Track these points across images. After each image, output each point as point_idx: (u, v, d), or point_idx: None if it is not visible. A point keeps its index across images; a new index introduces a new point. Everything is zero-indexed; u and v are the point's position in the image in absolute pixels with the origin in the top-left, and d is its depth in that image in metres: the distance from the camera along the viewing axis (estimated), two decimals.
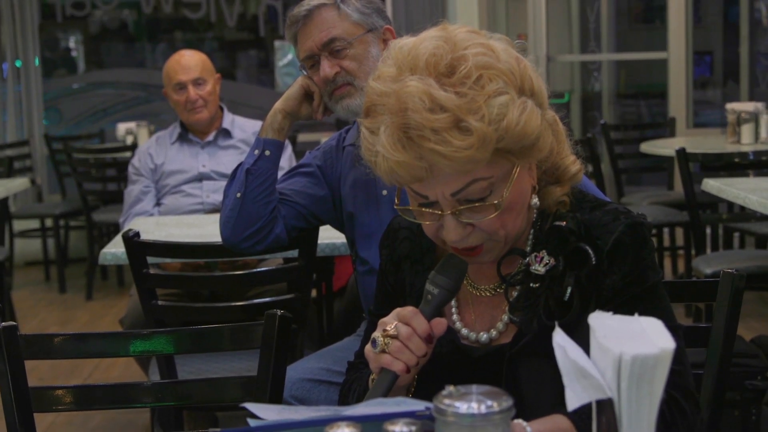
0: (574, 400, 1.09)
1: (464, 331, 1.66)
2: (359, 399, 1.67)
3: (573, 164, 1.66)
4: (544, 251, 1.61)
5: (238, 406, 1.33)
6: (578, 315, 1.55)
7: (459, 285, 1.58)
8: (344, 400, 1.77)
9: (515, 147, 1.50)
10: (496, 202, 1.52)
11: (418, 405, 1.22)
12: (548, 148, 1.57)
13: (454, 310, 1.69)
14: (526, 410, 1.48)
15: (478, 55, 1.49)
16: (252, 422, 1.24)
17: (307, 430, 1.22)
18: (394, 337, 1.51)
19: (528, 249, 1.64)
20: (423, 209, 1.56)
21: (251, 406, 1.29)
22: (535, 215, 1.65)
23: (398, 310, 1.55)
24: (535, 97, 1.54)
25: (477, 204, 1.52)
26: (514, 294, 1.63)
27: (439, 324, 1.54)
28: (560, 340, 1.13)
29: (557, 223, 1.62)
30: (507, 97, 1.48)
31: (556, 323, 1.24)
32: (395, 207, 1.62)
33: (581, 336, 1.21)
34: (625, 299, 1.57)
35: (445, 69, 1.48)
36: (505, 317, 1.63)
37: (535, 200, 1.62)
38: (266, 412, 1.29)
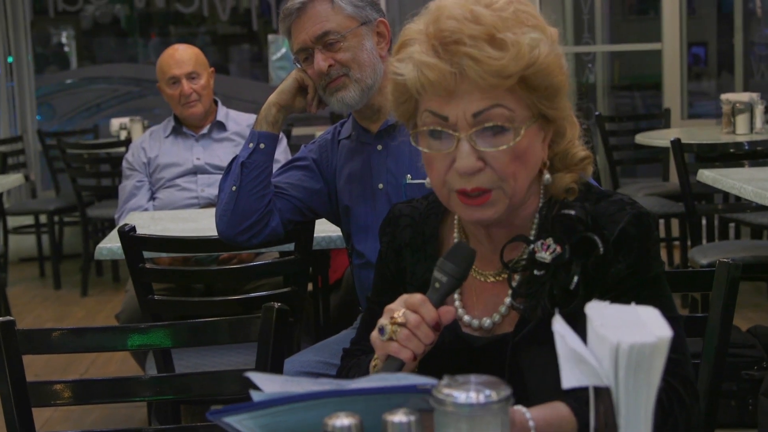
0: (570, 380, 1.09)
1: (466, 317, 1.66)
2: None
3: (582, 150, 1.67)
4: (550, 239, 1.60)
5: (242, 376, 1.32)
6: (582, 304, 1.55)
7: (467, 273, 1.56)
8: None
9: (540, 84, 1.54)
10: (512, 129, 1.53)
11: (420, 379, 1.21)
12: (564, 117, 1.61)
13: (456, 295, 1.68)
14: (529, 399, 1.48)
15: (519, 2, 1.56)
16: (255, 395, 1.23)
17: (308, 404, 1.21)
18: (402, 325, 1.50)
19: (532, 235, 1.64)
20: (440, 129, 1.55)
21: (254, 376, 1.28)
22: (541, 200, 1.65)
23: (405, 297, 1.53)
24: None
25: (497, 125, 1.53)
26: (517, 279, 1.63)
27: (448, 312, 1.53)
28: (559, 328, 1.13)
29: (565, 211, 1.62)
30: (540, 36, 1.54)
31: (556, 310, 1.24)
32: (409, 133, 1.62)
33: (584, 325, 1.21)
34: (627, 288, 1.58)
35: (485, 3, 1.54)
36: (508, 301, 1.63)
37: (547, 176, 1.63)
38: (269, 383, 1.28)
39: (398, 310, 1.51)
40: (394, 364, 1.50)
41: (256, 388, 1.26)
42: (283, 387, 1.27)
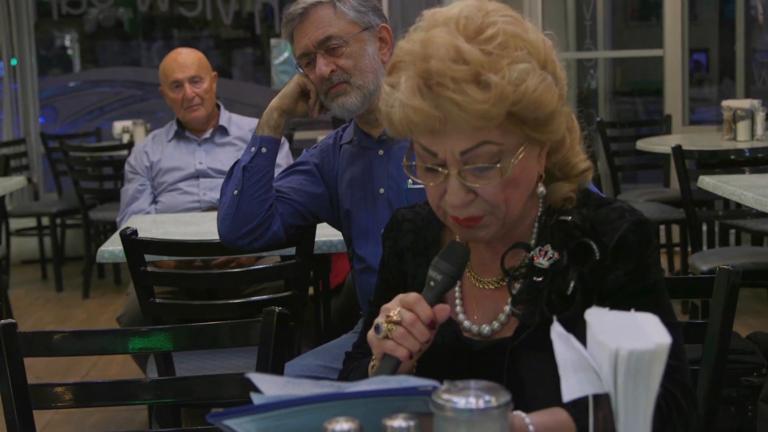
0: (569, 391, 1.10)
1: (467, 323, 1.67)
2: None
3: (583, 161, 1.67)
4: (548, 245, 1.61)
5: (243, 377, 1.33)
6: (580, 310, 1.56)
7: (462, 271, 1.58)
8: None
9: (529, 116, 1.52)
10: (500, 166, 1.53)
11: (421, 381, 1.22)
12: (561, 134, 1.60)
13: (458, 302, 1.69)
14: (526, 404, 1.48)
15: (508, 24, 1.54)
16: (255, 397, 1.23)
17: (309, 407, 1.22)
18: (398, 323, 1.51)
19: (532, 243, 1.65)
20: (429, 165, 1.56)
21: (254, 378, 1.28)
22: (540, 209, 1.66)
23: (401, 296, 1.55)
24: (556, 80, 1.57)
25: (484, 166, 1.53)
26: (517, 287, 1.64)
27: (443, 310, 1.54)
28: (559, 332, 1.14)
29: (563, 217, 1.62)
30: (528, 65, 1.51)
31: (555, 316, 1.25)
32: (403, 164, 1.62)
33: (582, 331, 1.22)
34: (626, 295, 1.58)
35: (473, 31, 1.52)
36: (507, 309, 1.64)
37: (542, 188, 1.63)
38: (269, 385, 1.28)
39: (394, 308, 1.53)
40: (390, 363, 1.51)
41: (257, 390, 1.26)
42: (283, 389, 1.28)
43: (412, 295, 1.54)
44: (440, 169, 1.55)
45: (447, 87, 1.48)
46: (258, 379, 1.28)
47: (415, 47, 1.53)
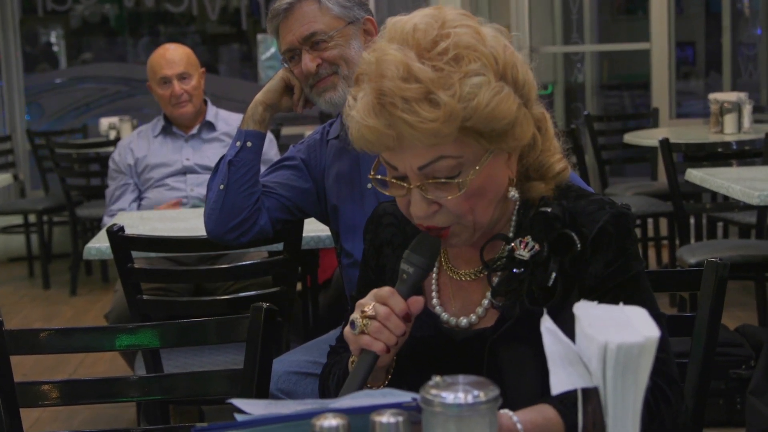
0: (558, 385, 1.10)
1: (444, 315, 1.67)
2: (340, 382, 1.68)
3: (558, 162, 1.66)
4: (529, 237, 1.61)
5: (225, 401, 1.33)
6: (561, 301, 1.56)
7: (433, 263, 1.60)
8: (324, 384, 1.77)
9: (485, 129, 1.52)
10: (460, 181, 1.53)
11: (405, 396, 1.23)
12: (526, 140, 1.58)
13: (434, 294, 1.69)
14: (507, 395, 1.48)
15: (463, 35, 1.52)
16: (239, 417, 1.24)
17: (293, 424, 1.22)
18: (373, 317, 1.53)
19: (511, 234, 1.65)
20: (394, 180, 1.57)
21: (238, 402, 1.29)
22: (518, 203, 1.66)
23: (375, 290, 1.56)
24: (517, 87, 1.55)
25: (443, 181, 1.53)
26: (495, 279, 1.63)
27: (416, 302, 1.55)
28: (549, 325, 1.14)
29: (543, 208, 1.62)
30: (482, 78, 1.50)
31: (545, 309, 1.25)
32: (369, 177, 1.63)
33: (563, 322, 1.22)
34: (608, 288, 1.58)
35: (428, 44, 1.51)
36: (485, 302, 1.64)
37: (513, 193, 1.62)
38: (253, 408, 1.29)
39: (368, 303, 1.54)
40: (368, 357, 1.53)
41: (241, 412, 1.27)
42: (267, 410, 1.28)
43: (386, 289, 1.55)
44: (401, 182, 1.56)
45: (397, 106, 1.48)
46: (242, 403, 1.29)
47: (371, 64, 1.53)
